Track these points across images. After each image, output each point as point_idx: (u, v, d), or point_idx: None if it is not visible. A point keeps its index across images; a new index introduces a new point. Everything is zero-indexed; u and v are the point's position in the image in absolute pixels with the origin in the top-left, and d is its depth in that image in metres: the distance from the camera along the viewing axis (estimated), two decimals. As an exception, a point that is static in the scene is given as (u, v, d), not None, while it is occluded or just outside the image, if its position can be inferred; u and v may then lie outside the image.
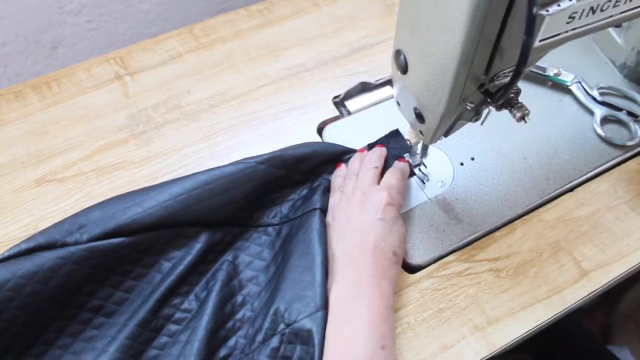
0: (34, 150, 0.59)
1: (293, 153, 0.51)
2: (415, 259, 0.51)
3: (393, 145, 0.55)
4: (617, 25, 0.43)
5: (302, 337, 0.41)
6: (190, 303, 0.46)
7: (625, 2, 0.37)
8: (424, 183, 0.55)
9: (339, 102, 0.64)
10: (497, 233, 0.53)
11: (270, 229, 0.51)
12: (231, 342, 0.44)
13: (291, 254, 0.47)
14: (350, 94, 0.64)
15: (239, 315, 0.46)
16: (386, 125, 0.57)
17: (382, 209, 0.46)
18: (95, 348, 0.43)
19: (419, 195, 0.55)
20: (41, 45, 0.83)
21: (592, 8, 0.35)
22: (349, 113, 0.63)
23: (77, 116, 0.62)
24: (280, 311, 0.43)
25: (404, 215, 0.53)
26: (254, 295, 0.47)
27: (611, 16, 0.37)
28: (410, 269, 0.51)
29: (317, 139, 0.60)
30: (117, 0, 0.83)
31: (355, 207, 0.47)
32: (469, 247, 0.52)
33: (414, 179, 0.56)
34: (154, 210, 0.46)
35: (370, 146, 0.56)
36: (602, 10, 0.36)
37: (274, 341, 0.41)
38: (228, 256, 0.48)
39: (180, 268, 0.46)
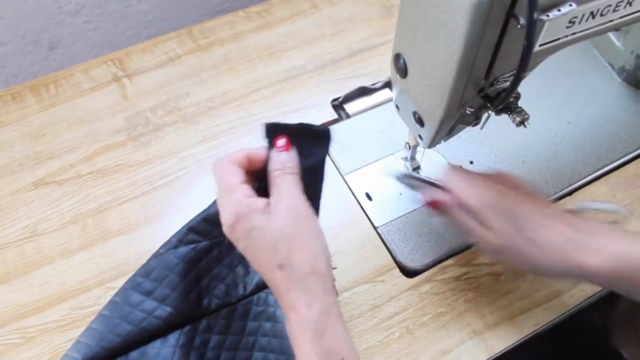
0: (32, 152, 0.59)
1: (203, 217, 0.45)
2: (414, 263, 0.51)
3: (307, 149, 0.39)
4: (617, 29, 0.43)
5: None
6: None
7: (625, 7, 0.37)
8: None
9: (338, 105, 0.63)
10: (496, 237, 0.53)
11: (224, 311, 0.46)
12: None
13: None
14: (350, 97, 0.64)
15: None
16: (386, 126, 0.57)
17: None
18: None
19: (418, 199, 0.55)
20: (39, 45, 0.82)
21: (592, 13, 0.35)
22: (348, 116, 0.63)
23: (75, 118, 0.62)
24: None
25: (403, 219, 0.53)
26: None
27: (611, 21, 0.37)
28: (409, 273, 0.51)
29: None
30: (115, 1, 0.82)
31: None
32: (467, 251, 0.52)
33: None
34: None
35: (271, 131, 0.38)
36: (602, 15, 0.36)
37: None
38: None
39: None
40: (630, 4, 0.37)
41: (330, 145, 0.39)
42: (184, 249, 0.44)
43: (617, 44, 0.63)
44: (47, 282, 0.51)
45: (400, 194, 0.55)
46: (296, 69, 0.66)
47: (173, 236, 0.45)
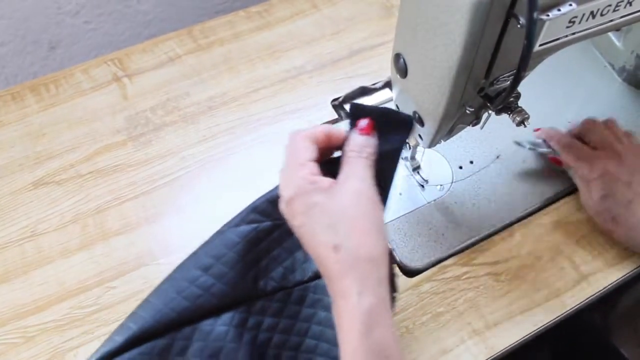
0: (32, 152, 0.59)
1: (268, 197, 0.44)
2: (414, 263, 0.51)
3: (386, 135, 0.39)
4: (617, 29, 0.43)
5: None
6: None
7: (625, 7, 0.37)
8: (422, 187, 0.55)
9: (338, 105, 0.63)
10: (496, 237, 0.53)
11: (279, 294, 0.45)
12: None
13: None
14: (350, 97, 0.64)
15: None
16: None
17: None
18: None
19: (418, 198, 0.55)
20: (39, 45, 0.82)
21: (592, 12, 0.35)
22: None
23: (75, 118, 0.62)
24: None
25: (403, 219, 0.53)
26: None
27: (611, 20, 0.37)
28: (409, 272, 0.51)
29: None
30: (115, 1, 0.82)
31: None
32: (467, 251, 0.52)
33: (414, 182, 0.56)
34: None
35: (356, 112, 0.38)
36: (602, 15, 0.36)
37: None
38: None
39: None
40: (630, 3, 0.37)
41: (410, 134, 0.39)
42: (245, 228, 0.43)
43: (618, 43, 0.63)
44: (46, 282, 0.51)
45: (400, 193, 0.55)
46: (296, 69, 0.66)
47: (237, 215, 0.43)
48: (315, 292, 0.45)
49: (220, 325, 0.42)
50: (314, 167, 0.35)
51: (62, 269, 0.52)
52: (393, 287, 0.42)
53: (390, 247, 0.34)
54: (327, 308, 0.44)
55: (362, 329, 0.31)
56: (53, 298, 0.50)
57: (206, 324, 0.42)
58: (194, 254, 0.43)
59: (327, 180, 0.35)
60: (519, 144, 0.57)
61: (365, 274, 0.32)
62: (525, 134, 0.59)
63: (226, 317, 0.42)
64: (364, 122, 0.37)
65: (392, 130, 0.38)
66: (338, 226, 0.33)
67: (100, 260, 0.52)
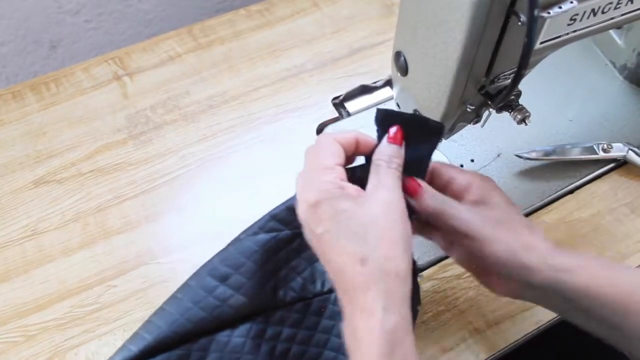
0: (32, 151, 0.59)
1: (287, 205, 0.42)
2: (415, 262, 0.51)
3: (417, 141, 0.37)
4: (618, 26, 0.43)
5: None
6: None
7: (626, 4, 0.37)
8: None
9: (339, 104, 0.63)
10: (497, 235, 0.53)
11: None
12: None
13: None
14: (350, 95, 0.64)
15: None
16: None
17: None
18: None
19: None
20: (40, 44, 0.82)
21: (593, 10, 0.35)
22: (349, 114, 0.62)
23: (75, 117, 0.62)
24: None
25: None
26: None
27: (612, 18, 0.37)
28: (409, 271, 0.51)
29: (317, 140, 0.60)
30: (116, 0, 0.82)
31: None
32: (468, 249, 0.52)
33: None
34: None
35: (384, 118, 0.37)
36: (603, 13, 0.36)
37: None
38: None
39: None
40: (631, 1, 0.37)
41: (440, 141, 0.37)
42: (263, 237, 0.41)
43: (619, 41, 0.63)
44: (47, 280, 0.51)
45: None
46: (296, 68, 0.66)
47: (255, 223, 0.42)
48: (335, 303, 0.44)
49: (237, 337, 0.41)
50: (342, 173, 0.34)
51: (63, 268, 0.52)
52: (417, 300, 0.41)
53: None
54: None
55: (385, 348, 0.29)
56: (54, 297, 0.50)
57: (223, 335, 0.41)
58: (210, 261, 0.41)
59: (355, 188, 0.34)
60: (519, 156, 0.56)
61: (392, 289, 0.30)
62: (525, 135, 0.58)
63: (243, 328, 0.41)
64: (393, 131, 0.35)
65: (421, 139, 0.36)
66: (367, 236, 0.31)
67: (100, 259, 0.52)
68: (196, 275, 0.41)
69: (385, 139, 0.36)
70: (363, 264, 0.31)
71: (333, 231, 0.32)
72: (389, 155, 0.35)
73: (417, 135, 0.36)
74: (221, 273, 0.40)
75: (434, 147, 0.37)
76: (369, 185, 0.34)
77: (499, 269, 0.36)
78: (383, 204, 0.32)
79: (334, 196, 0.32)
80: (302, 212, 0.34)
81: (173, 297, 0.41)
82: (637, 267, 0.51)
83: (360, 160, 0.38)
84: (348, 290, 0.31)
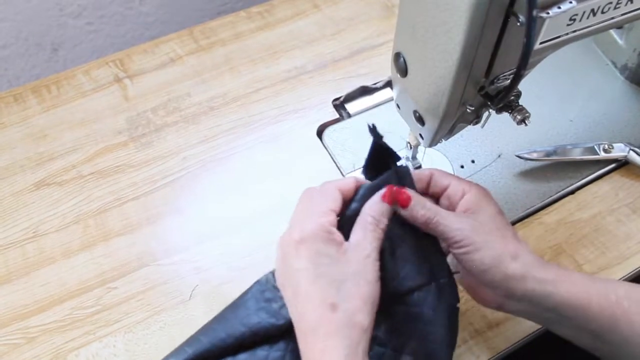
0: (34, 153, 0.59)
1: None
2: (416, 262, 0.51)
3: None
4: (619, 26, 0.43)
5: None
6: None
7: (626, 4, 0.37)
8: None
9: (339, 105, 0.63)
10: (498, 236, 0.53)
11: None
12: None
13: None
14: (351, 97, 0.64)
15: None
16: (387, 126, 0.57)
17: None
18: None
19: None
20: (41, 47, 0.83)
21: (592, 10, 0.35)
22: (349, 115, 0.62)
23: (76, 119, 0.62)
24: None
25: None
26: None
27: (612, 18, 0.37)
28: (410, 272, 0.50)
29: (317, 141, 0.60)
30: (117, 3, 0.83)
31: None
32: (469, 250, 0.52)
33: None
34: None
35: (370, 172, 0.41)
36: (603, 12, 0.36)
37: None
38: None
39: None
40: (631, 1, 0.36)
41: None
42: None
43: (620, 41, 0.62)
44: (48, 283, 0.51)
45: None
46: (297, 69, 0.66)
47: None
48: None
49: (276, 351, 0.41)
50: (335, 220, 0.36)
51: (64, 270, 0.52)
52: (455, 297, 0.40)
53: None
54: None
55: None
56: (55, 299, 0.50)
57: (261, 350, 0.41)
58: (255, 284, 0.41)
59: (341, 237, 0.35)
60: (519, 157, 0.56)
61: (355, 341, 0.32)
62: (525, 135, 0.58)
63: (282, 342, 0.41)
64: (385, 191, 0.37)
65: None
66: (343, 286, 0.33)
67: (101, 261, 0.52)
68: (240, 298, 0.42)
69: (378, 195, 0.37)
70: (333, 310, 0.32)
71: (311, 271, 0.34)
72: (379, 214, 0.36)
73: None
74: (265, 296, 0.41)
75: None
76: (354, 237, 0.36)
77: (484, 277, 0.37)
78: (365, 262, 0.34)
79: (322, 238, 0.34)
80: (284, 244, 0.36)
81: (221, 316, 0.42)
82: (638, 268, 0.51)
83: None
84: (309, 331, 0.33)
